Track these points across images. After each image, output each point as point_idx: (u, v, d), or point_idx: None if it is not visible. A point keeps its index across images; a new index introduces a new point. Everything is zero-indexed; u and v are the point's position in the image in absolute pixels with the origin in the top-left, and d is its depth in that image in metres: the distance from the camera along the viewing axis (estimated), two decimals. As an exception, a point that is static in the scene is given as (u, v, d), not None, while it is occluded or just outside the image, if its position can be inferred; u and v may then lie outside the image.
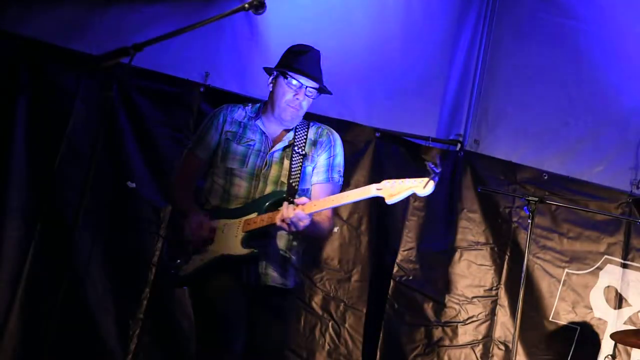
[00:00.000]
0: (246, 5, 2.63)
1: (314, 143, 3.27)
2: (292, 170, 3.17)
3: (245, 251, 3.05)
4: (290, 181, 3.15)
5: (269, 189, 3.15)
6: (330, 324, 4.48)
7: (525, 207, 3.91)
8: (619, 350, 4.39)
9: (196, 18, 3.31)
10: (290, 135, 3.25)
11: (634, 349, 4.37)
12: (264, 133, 3.23)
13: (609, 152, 4.90)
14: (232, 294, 3.06)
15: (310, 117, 4.65)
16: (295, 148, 3.21)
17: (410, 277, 4.59)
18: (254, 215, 3.07)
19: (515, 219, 4.68)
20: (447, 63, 5.07)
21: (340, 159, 3.30)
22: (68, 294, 4.03)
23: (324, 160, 3.26)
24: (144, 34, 4.02)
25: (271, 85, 3.26)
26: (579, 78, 4.97)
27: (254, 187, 3.16)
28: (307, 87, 3.17)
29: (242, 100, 3.67)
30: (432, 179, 2.88)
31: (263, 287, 3.13)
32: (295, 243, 3.25)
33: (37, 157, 4.28)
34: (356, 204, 4.59)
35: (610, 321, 4.55)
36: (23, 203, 4.22)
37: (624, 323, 4.52)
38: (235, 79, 4.65)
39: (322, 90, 3.24)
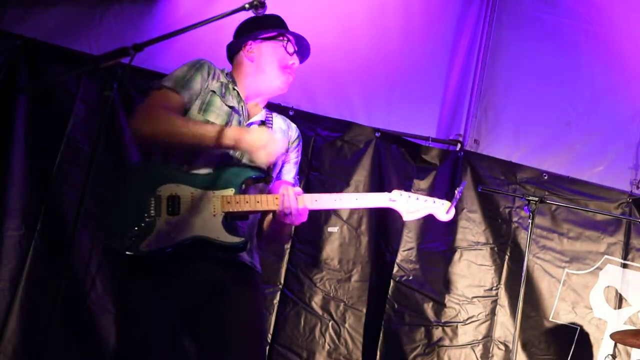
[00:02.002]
0: (246, 6, 2.63)
1: (283, 130, 3.04)
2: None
3: (231, 239, 2.69)
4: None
5: (245, 160, 2.83)
6: (330, 324, 4.48)
7: (526, 207, 3.91)
8: (618, 350, 4.39)
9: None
10: (263, 113, 3.01)
11: (634, 349, 4.37)
12: (242, 101, 2.94)
13: (609, 152, 4.90)
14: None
15: (310, 117, 4.69)
16: (267, 123, 2.96)
17: (410, 277, 4.59)
18: (230, 192, 2.73)
19: (515, 219, 4.68)
20: (447, 63, 5.07)
21: (299, 160, 3.12)
22: (68, 294, 4.07)
23: (293, 158, 3.07)
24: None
25: (249, 54, 2.98)
26: (579, 78, 4.97)
27: (234, 152, 2.82)
28: (298, 53, 3.01)
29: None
30: (453, 204, 2.82)
31: (242, 273, 2.83)
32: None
33: (37, 157, 4.28)
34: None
35: (610, 321, 4.55)
36: (23, 203, 4.22)
37: (624, 323, 4.52)
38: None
39: (307, 47, 3.08)
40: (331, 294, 4.51)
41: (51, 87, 4.32)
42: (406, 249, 4.62)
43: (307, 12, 4.76)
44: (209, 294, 2.74)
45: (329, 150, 4.66)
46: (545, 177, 4.76)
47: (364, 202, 2.87)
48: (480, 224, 4.70)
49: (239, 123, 2.87)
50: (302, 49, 3.06)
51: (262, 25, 2.99)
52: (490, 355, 4.51)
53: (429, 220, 4.67)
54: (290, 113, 4.44)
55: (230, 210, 2.70)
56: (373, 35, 4.92)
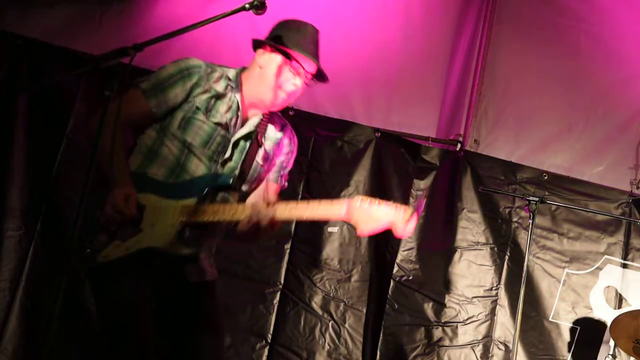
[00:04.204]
0: (246, 6, 2.63)
1: (277, 140, 2.92)
2: (246, 164, 2.81)
3: (183, 250, 2.66)
4: (241, 174, 2.80)
5: (226, 179, 2.78)
6: (330, 324, 4.48)
7: (526, 207, 3.91)
8: (618, 350, 4.39)
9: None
10: (256, 120, 2.86)
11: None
12: (239, 110, 2.81)
13: (609, 152, 4.90)
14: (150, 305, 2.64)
15: (310, 117, 4.69)
16: (257, 138, 2.84)
17: (410, 277, 4.59)
18: (192, 200, 2.67)
19: (515, 219, 4.68)
20: (447, 63, 5.07)
21: (291, 165, 3.00)
22: (68, 294, 4.06)
23: (281, 162, 2.96)
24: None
25: (261, 58, 2.82)
26: (579, 78, 4.97)
27: (213, 173, 2.75)
28: (307, 72, 2.80)
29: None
30: (416, 213, 2.49)
31: (201, 283, 2.78)
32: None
33: (37, 157, 4.28)
34: (356, 203, 4.60)
35: (610, 321, 4.55)
36: (23, 203, 4.22)
37: (624, 323, 4.51)
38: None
39: (319, 76, 2.85)
40: (331, 294, 4.51)
41: (51, 87, 4.32)
42: (406, 249, 4.62)
43: (307, 12, 4.75)
44: (159, 301, 2.71)
45: (329, 150, 4.66)
46: (545, 177, 4.76)
47: (323, 210, 2.66)
48: (480, 224, 4.70)
49: (223, 138, 2.76)
50: (316, 57, 2.85)
51: (276, 35, 2.83)
52: (490, 355, 4.51)
53: (429, 221, 4.72)
54: (290, 113, 4.44)
55: (188, 220, 2.64)
56: (373, 36, 4.93)
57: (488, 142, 4.97)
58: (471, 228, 4.70)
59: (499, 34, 5.07)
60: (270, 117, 2.91)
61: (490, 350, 4.52)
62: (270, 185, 2.91)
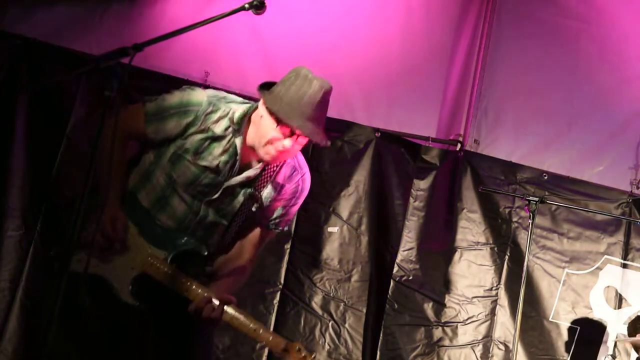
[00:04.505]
0: (246, 5, 2.62)
1: (279, 187, 2.80)
2: (236, 209, 2.73)
3: (128, 299, 2.62)
4: (227, 218, 2.73)
5: (210, 218, 2.72)
6: (330, 324, 4.48)
7: (526, 207, 3.91)
8: (618, 351, 4.39)
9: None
10: (259, 167, 2.75)
11: (633, 349, 4.37)
12: (237, 155, 2.70)
13: (609, 152, 4.90)
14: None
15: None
16: (254, 187, 2.74)
17: (410, 277, 4.59)
18: (161, 254, 2.64)
19: (515, 219, 4.68)
20: (447, 63, 5.07)
21: (294, 212, 2.91)
22: (68, 294, 4.06)
23: (279, 208, 2.84)
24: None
25: (261, 107, 2.69)
26: (579, 78, 4.97)
27: (194, 211, 2.70)
28: (299, 136, 2.64)
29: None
30: None
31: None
32: None
33: (37, 157, 4.28)
34: (357, 202, 4.61)
35: (610, 321, 4.55)
36: (23, 203, 4.22)
37: (624, 323, 4.51)
38: (236, 78, 4.64)
39: (315, 139, 2.67)
40: (331, 294, 4.51)
41: (51, 87, 4.32)
42: (406, 249, 4.62)
43: (307, 12, 4.76)
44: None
45: (329, 150, 4.65)
46: (545, 177, 4.76)
47: (265, 337, 2.66)
48: (480, 224, 4.70)
49: (212, 181, 2.69)
50: (312, 123, 2.66)
51: (278, 97, 2.64)
52: (490, 355, 4.51)
53: (429, 221, 4.72)
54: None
55: (147, 270, 2.63)
56: (373, 35, 4.92)
57: (488, 142, 4.96)
58: (471, 228, 4.70)
59: (499, 34, 5.06)
60: (277, 165, 2.78)
61: (490, 350, 4.52)
62: (260, 231, 2.85)
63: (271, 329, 4.39)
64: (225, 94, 2.82)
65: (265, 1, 2.57)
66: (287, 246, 4.49)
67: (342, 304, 4.51)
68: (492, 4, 5.08)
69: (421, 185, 4.74)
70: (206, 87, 4.50)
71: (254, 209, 2.78)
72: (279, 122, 2.61)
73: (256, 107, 2.73)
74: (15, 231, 4.19)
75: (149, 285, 2.65)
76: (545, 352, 4.52)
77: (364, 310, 4.52)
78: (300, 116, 2.61)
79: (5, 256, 4.15)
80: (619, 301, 4.58)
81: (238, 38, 4.69)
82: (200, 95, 2.73)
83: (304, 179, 2.86)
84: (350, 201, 4.62)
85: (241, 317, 2.63)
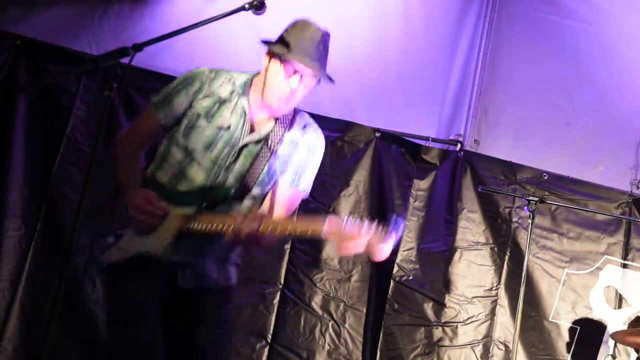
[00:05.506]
0: (246, 6, 2.63)
1: (294, 143, 2.84)
2: (255, 168, 2.75)
3: (175, 258, 2.66)
4: (248, 179, 2.74)
5: (229, 183, 2.74)
6: (330, 324, 4.48)
7: (526, 207, 3.91)
8: (618, 350, 4.39)
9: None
10: (270, 125, 2.79)
11: (633, 349, 4.37)
12: (246, 115, 2.76)
13: (609, 152, 4.90)
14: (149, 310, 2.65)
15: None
16: (269, 143, 2.78)
17: (410, 277, 4.59)
18: (190, 210, 2.68)
19: (515, 219, 4.68)
20: (447, 63, 5.07)
21: (314, 171, 2.89)
22: (68, 294, 4.06)
23: (298, 165, 2.84)
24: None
25: (266, 60, 2.77)
26: (579, 78, 4.97)
27: (213, 177, 2.73)
28: (303, 75, 2.73)
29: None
30: (393, 230, 2.33)
31: (198, 290, 2.74)
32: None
33: (37, 157, 4.28)
34: (357, 202, 4.61)
35: (610, 321, 4.55)
36: (23, 203, 4.22)
37: (624, 323, 4.51)
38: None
39: (323, 77, 2.80)
40: (331, 294, 4.51)
41: (51, 87, 4.32)
42: (406, 249, 4.62)
43: (307, 12, 4.75)
44: (162, 313, 2.71)
45: (329, 150, 4.62)
46: (545, 177, 4.76)
47: (304, 226, 2.53)
48: (480, 224, 4.70)
49: (227, 141, 2.73)
50: (313, 58, 2.76)
51: (280, 37, 2.77)
52: (490, 355, 4.51)
53: (429, 221, 4.72)
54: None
55: (182, 226, 2.65)
56: (373, 35, 4.92)
57: (488, 142, 4.96)
58: (471, 228, 4.70)
59: (499, 34, 5.06)
60: (288, 120, 2.83)
61: (490, 350, 4.52)
62: (283, 188, 2.82)
63: (271, 329, 4.39)
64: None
65: (265, 1, 2.57)
66: (287, 246, 4.49)
67: (342, 304, 4.51)
68: (492, 4, 5.09)
69: (421, 185, 4.74)
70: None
71: (274, 165, 2.80)
72: (283, 61, 2.69)
73: (257, 74, 2.82)
74: (15, 231, 4.20)
75: (186, 243, 2.68)
76: (545, 352, 4.52)
77: (364, 310, 4.52)
78: (304, 54, 2.71)
79: (5, 256, 4.16)
80: (619, 301, 4.59)
81: (238, 38, 4.68)
82: (201, 68, 2.85)
83: (317, 135, 2.91)
84: (350, 201, 4.62)
85: (281, 219, 2.65)
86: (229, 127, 2.75)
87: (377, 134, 4.73)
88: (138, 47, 2.25)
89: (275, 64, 2.72)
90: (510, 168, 4.79)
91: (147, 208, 2.65)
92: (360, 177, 4.66)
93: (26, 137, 4.27)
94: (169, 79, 4.41)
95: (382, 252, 2.36)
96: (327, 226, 2.41)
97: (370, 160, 4.69)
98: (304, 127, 2.89)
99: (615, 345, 4.37)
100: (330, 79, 2.79)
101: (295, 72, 2.71)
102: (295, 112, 2.88)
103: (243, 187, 2.75)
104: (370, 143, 4.72)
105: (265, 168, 2.77)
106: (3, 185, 4.20)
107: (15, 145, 4.24)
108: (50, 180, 4.24)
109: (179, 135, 2.76)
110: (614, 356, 4.35)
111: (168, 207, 2.68)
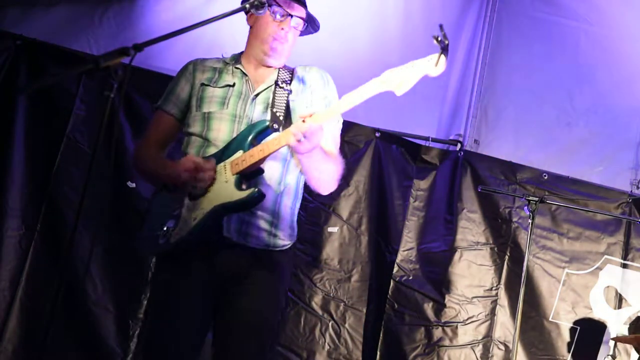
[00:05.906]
0: (246, 6, 2.63)
1: (303, 79, 2.95)
2: (276, 103, 2.82)
3: (244, 193, 2.64)
4: (274, 110, 2.80)
5: (257, 130, 2.77)
6: (330, 324, 4.48)
7: (526, 207, 3.91)
8: (619, 350, 4.39)
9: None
10: (274, 75, 2.91)
11: (633, 349, 4.37)
12: (245, 75, 2.90)
13: (609, 152, 4.90)
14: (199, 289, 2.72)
15: (310, 117, 4.68)
16: (279, 83, 2.87)
17: (410, 277, 4.59)
18: (239, 154, 2.70)
19: (515, 219, 4.68)
20: (447, 63, 5.06)
21: (337, 96, 2.94)
22: (68, 294, 4.07)
23: (319, 96, 2.93)
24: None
25: (249, 19, 2.94)
26: (579, 78, 4.97)
27: (237, 128, 2.80)
28: (292, 16, 2.87)
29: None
30: (443, 53, 2.50)
31: (249, 250, 2.75)
32: (289, 187, 2.86)
33: (37, 157, 4.28)
34: (357, 202, 4.60)
35: (610, 321, 4.55)
36: (23, 203, 4.23)
37: (624, 323, 4.52)
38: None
39: (309, 19, 2.92)
40: (331, 294, 4.51)
41: (51, 87, 4.32)
42: (406, 249, 4.62)
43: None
44: (222, 285, 2.76)
45: (329, 150, 4.65)
46: (545, 177, 4.76)
47: (357, 96, 2.80)
48: (480, 224, 4.70)
49: (239, 97, 2.85)
50: (305, 20, 2.94)
51: None
52: (490, 355, 4.51)
53: (429, 221, 4.72)
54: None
55: (239, 169, 2.68)
56: (373, 35, 4.92)
57: (488, 142, 4.96)
58: (471, 228, 4.70)
59: (499, 34, 5.06)
60: (289, 69, 2.96)
61: (490, 350, 4.52)
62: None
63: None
64: None
65: (265, 1, 2.57)
66: (287, 246, 4.48)
67: (342, 304, 4.51)
68: (492, 4, 5.09)
69: (421, 185, 4.74)
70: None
71: (294, 97, 2.87)
72: (267, 8, 2.79)
73: (243, 52, 2.99)
74: (15, 231, 4.20)
75: (247, 178, 2.71)
76: (545, 352, 4.52)
77: (364, 310, 4.52)
78: None
79: (5, 256, 4.16)
80: (619, 301, 4.58)
81: (238, 38, 4.68)
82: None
83: (322, 70, 3.01)
84: (350, 201, 4.62)
85: (322, 111, 2.69)
86: (234, 85, 2.88)
87: (377, 134, 4.73)
88: (138, 47, 2.25)
89: (260, 17, 2.86)
90: (510, 168, 4.79)
91: (196, 164, 2.68)
92: (360, 177, 4.66)
93: (26, 137, 4.27)
94: (169, 79, 4.44)
95: (439, 73, 2.67)
96: (379, 81, 2.75)
97: (370, 160, 4.69)
98: (307, 67, 3.01)
99: (615, 345, 4.37)
100: (316, 23, 2.95)
101: (284, 16, 2.85)
102: (292, 66, 2.99)
103: (272, 118, 2.80)
104: (370, 143, 4.72)
105: (284, 101, 2.85)
106: (3, 185, 4.20)
107: (15, 145, 4.25)
108: (50, 180, 4.25)
109: (191, 112, 2.88)
110: (614, 356, 4.35)
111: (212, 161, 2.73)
